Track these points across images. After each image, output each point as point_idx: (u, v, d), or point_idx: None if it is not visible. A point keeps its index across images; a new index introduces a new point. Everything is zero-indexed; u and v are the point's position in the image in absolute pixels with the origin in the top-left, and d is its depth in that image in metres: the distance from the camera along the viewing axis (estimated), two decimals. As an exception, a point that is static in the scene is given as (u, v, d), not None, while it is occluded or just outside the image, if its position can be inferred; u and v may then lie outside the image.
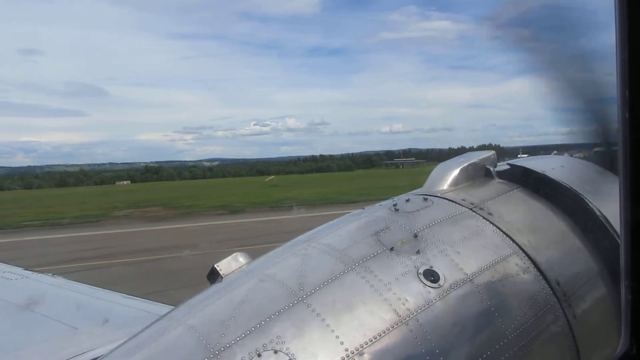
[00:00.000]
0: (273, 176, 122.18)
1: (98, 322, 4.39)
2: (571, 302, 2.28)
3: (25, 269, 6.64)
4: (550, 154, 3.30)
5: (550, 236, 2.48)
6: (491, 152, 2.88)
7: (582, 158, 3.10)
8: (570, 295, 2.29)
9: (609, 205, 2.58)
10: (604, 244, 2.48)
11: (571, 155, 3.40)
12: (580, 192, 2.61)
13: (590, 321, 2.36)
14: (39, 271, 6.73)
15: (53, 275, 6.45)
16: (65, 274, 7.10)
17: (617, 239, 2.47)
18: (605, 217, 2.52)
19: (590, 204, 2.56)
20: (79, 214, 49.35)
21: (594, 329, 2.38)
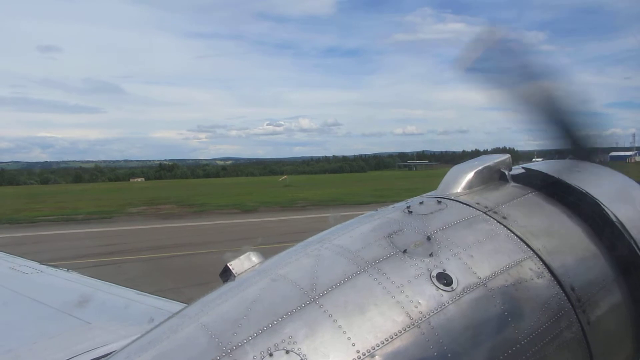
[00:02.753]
0: (286, 176, 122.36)
1: (111, 317, 4.44)
2: (585, 308, 2.25)
3: (41, 263, 6.72)
4: (565, 158, 3.25)
5: (565, 241, 2.44)
6: (506, 156, 2.84)
7: (597, 162, 3.05)
8: (584, 302, 2.26)
9: (626, 211, 2.54)
10: (621, 250, 2.45)
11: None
12: (596, 196, 2.57)
13: (605, 328, 2.32)
14: (53, 265, 6.81)
15: (67, 270, 6.52)
16: (78, 269, 7.18)
17: (634, 245, 2.43)
18: (621, 223, 2.48)
19: (606, 209, 2.53)
20: (93, 210, 49.90)
21: (608, 336, 2.34)
